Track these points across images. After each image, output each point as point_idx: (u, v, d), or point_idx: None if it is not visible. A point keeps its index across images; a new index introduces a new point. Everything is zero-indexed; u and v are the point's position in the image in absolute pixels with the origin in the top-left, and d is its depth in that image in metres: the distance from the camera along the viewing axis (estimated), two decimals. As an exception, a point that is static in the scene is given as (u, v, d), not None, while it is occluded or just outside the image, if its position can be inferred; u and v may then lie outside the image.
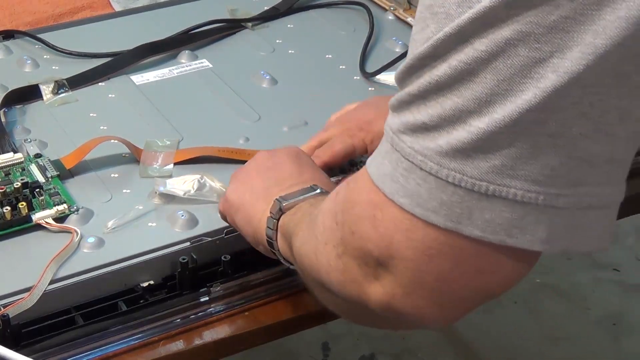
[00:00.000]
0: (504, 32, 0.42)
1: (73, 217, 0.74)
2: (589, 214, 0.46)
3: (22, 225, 0.73)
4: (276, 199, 0.63)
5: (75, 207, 0.75)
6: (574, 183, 0.44)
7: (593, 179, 0.45)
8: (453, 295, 0.49)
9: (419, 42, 0.45)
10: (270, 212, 0.63)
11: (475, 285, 0.49)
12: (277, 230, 0.63)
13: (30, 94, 0.91)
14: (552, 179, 0.44)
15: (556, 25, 0.41)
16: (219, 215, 0.72)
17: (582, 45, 0.41)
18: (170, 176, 0.80)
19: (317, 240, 0.55)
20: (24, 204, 0.73)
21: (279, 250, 0.64)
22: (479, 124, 0.43)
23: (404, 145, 0.47)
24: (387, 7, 1.08)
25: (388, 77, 0.94)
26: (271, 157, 0.71)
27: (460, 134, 0.44)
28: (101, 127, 0.86)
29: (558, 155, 0.43)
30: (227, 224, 0.73)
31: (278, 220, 0.63)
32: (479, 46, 0.43)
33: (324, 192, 0.63)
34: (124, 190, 0.78)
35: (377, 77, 0.95)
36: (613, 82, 0.42)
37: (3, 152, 0.80)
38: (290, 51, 1.01)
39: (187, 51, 0.99)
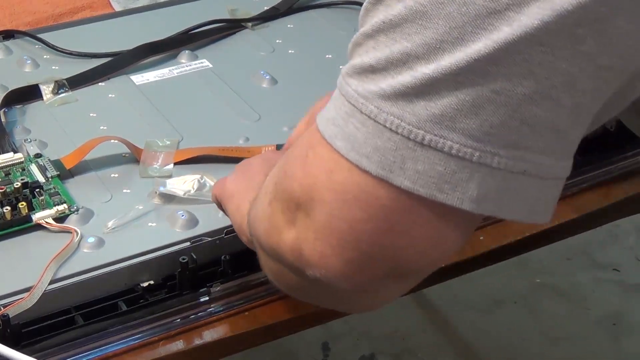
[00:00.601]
0: None
1: (73, 217, 0.74)
2: (522, 180, 0.45)
3: (22, 225, 0.73)
4: None
5: (75, 207, 0.75)
6: (511, 145, 0.44)
7: (532, 144, 0.44)
8: (362, 250, 0.47)
9: None
10: None
11: (385, 244, 0.47)
12: None
13: (30, 94, 0.91)
14: (490, 137, 0.43)
15: None
16: (212, 198, 0.72)
17: (541, 1, 0.40)
18: (170, 176, 0.80)
19: (259, 194, 0.55)
20: (24, 204, 0.73)
21: None
22: (425, 70, 0.43)
23: (348, 89, 0.46)
24: (387, 7, 1.08)
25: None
26: (278, 156, 0.71)
27: (404, 78, 0.43)
28: (101, 127, 0.86)
29: (499, 113, 0.43)
30: (227, 224, 0.73)
31: None
32: None
33: None
34: (124, 190, 0.78)
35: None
36: (566, 44, 0.41)
37: (3, 152, 0.80)
38: (290, 51, 1.01)
39: (187, 51, 0.99)
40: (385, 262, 0.48)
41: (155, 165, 0.81)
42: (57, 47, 0.98)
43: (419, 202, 0.45)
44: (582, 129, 0.45)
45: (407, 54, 0.43)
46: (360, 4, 1.06)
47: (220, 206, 0.70)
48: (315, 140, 0.48)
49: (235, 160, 0.81)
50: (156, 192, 0.77)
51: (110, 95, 0.92)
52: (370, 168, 0.45)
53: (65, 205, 0.74)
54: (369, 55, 0.45)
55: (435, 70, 0.43)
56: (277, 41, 1.02)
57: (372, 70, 0.45)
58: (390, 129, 0.44)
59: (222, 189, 0.69)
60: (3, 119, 0.86)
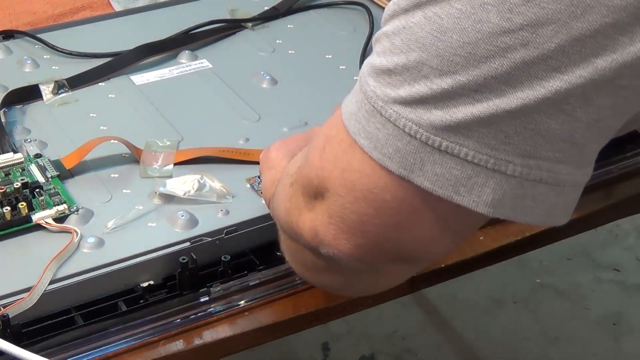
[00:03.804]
0: None
1: (73, 217, 0.74)
2: (539, 188, 0.46)
3: (22, 225, 0.73)
4: None
5: (75, 207, 0.75)
6: (526, 154, 0.45)
7: (548, 154, 0.45)
8: (369, 238, 0.51)
9: None
10: None
11: (390, 237, 0.51)
12: None
13: (30, 94, 0.90)
14: (504, 145, 0.44)
15: None
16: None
17: (557, 24, 0.41)
18: (170, 176, 0.80)
19: (282, 175, 0.59)
20: (24, 204, 0.73)
21: None
22: (442, 84, 0.44)
23: (367, 88, 0.48)
24: (387, 7, 1.08)
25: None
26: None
27: (421, 89, 0.45)
28: (101, 127, 0.86)
29: (513, 124, 0.44)
30: (227, 225, 0.73)
31: None
32: (455, 3, 0.43)
33: None
34: (124, 190, 0.78)
35: (377, 77, 0.95)
36: (583, 71, 0.42)
37: (3, 152, 0.80)
38: (290, 51, 1.01)
39: (187, 51, 0.99)
40: (391, 250, 0.52)
41: (155, 166, 0.81)
42: (57, 47, 0.98)
43: (431, 202, 0.47)
44: (603, 139, 0.47)
45: (422, 63, 0.45)
46: (360, 4, 1.07)
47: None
48: (331, 135, 0.51)
49: (235, 161, 0.82)
50: (156, 192, 0.77)
51: (110, 95, 0.92)
52: (392, 167, 0.47)
53: (65, 206, 0.74)
54: (386, 57, 0.47)
55: (452, 85, 0.44)
56: (277, 41, 1.02)
57: (388, 73, 0.47)
58: (409, 134, 0.46)
59: (266, 154, 0.71)
60: (3, 119, 0.86)
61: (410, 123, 0.46)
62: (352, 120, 0.49)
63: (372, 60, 0.48)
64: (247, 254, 0.74)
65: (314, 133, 0.71)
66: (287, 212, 0.56)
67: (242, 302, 0.72)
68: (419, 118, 0.45)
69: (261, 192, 0.76)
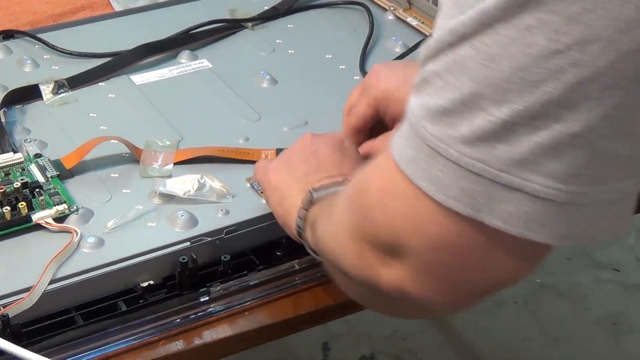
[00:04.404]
0: (526, 19, 0.41)
1: (73, 217, 0.74)
2: (607, 207, 0.45)
3: (22, 225, 0.73)
4: (309, 189, 0.64)
5: (75, 207, 0.75)
6: (596, 181, 0.44)
7: (615, 176, 0.44)
8: (458, 285, 0.50)
9: (446, 21, 0.45)
10: (302, 202, 0.64)
11: (479, 279, 0.50)
12: (305, 220, 0.64)
13: (30, 94, 0.91)
14: (574, 178, 0.43)
15: (576, 16, 0.40)
16: (253, 178, 0.73)
17: (604, 40, 0.40)
18: (170, 176, 0.80)
19: (334, 224, 0.57)
20: (24, 204, 0.73)
21: (306, 240, 0.65)
22: (499, 114, 0.43)
23: (424, 132, 0.46)
24: (387, 7, 1.08)
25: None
26: (315, 142, 0.71)
27: (481, 123, 0.44)
28: (101, 127, 0.86)
29: (580, 155, 0.43)
30: (227, 224, 0.73)
31: (308, 211, 0.64)
32: (501, 30, 0.42)
33: None
34: (124, 190, 0.78)
35: (377, 77, 0.95)
36: (635, 77, 0.41)
37: (3, 152, 0.80)
38: (290, 51, 1.01)
39: (187, 51, 0.99)
40: (478, 289, 0.51)
41: (155, 165, 0.81)
42: (57, 47, 0.98)
43: (505, 239, 0.46)
44: None
45: (477, 95, 0.44)
46: (360, 4, 1.07)
47: (263, 195, 0.74)
48: (391, 185, 0.49)
49: (235, 161, 0.82)
50: (156, 192, 0.77)
51: (110, 95, 0.92)
52: (459, 208, 0.46)
53: (65, 205, 0.74)
54: (439, 96, 0.45)
55: (510, 114, 0.43)
56: (277, 41, 1.02)
57: (445, 113, 0.45)
58: (476, 173, 0.45)
59: (266, 178, 0.71)
60: (3, 119, 0.86)
61: (475, 161, 0.44)
62: (411, 166, 0.48)
63: (423, 101, 0.47)
64: (247, 253, 0.74)
65: (306, 141, 0.71)
66: (358, 268, 0.55)
67: (242, 302, 0.72)
68: (484, 155, 0.44)
69: (261, 192, 0.76)
